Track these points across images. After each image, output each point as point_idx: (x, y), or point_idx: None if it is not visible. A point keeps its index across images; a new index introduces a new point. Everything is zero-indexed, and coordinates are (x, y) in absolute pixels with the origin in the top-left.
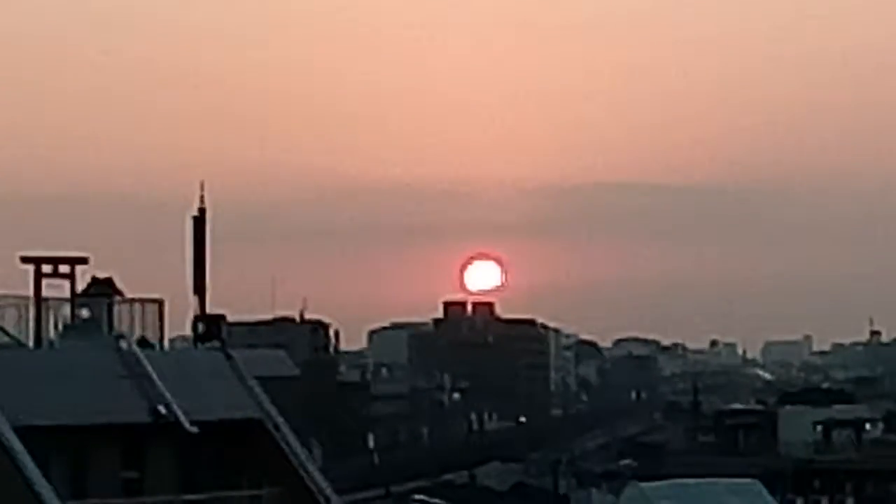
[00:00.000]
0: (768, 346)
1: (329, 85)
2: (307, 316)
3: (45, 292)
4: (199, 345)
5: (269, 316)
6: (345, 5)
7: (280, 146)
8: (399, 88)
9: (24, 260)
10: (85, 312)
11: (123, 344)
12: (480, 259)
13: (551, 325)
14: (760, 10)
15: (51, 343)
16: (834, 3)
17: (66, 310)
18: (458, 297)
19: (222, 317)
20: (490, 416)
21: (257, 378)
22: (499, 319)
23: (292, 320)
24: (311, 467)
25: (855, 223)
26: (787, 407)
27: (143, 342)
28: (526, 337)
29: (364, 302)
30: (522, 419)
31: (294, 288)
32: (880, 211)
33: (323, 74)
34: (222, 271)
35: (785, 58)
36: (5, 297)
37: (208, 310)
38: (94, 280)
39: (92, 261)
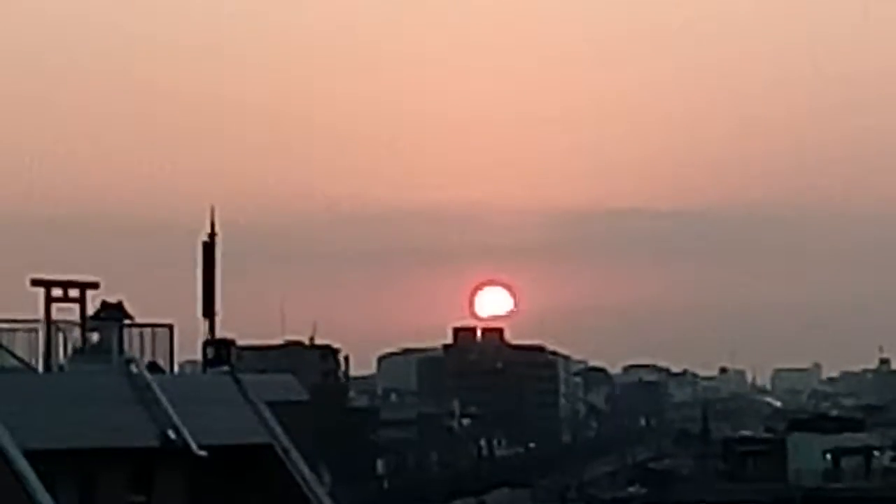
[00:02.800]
0: (778, 374)
1: (341, 109)
2: (317, 341)
3: (55, 316)
4: (208, 369)
5: (279, 340)
6: (359, 29)
7: (291, 170)
8: (410, 113)
9: (35, 283)
10: (95, 337)
11: (133, 368)
12: (490, 285)
13: (561, 351)
14: (767, 35)
15: (60, 367)
16: (842, 27)
17: (77, 334)
18: (468, 322)
19: (232, 341)
20: (499, 443)
21: (267, 403)
22: (508, 345)
23: (302, 345)
24: (320, 493)
25: (866, 250)
26: (797, 434)
27: (153, 366)
28: (535, 363)
29: (374, 327)
30: (532, 445)
31: (304, 313)
32: (891, 237)
33: (337, 98)
34: (233, 295)
35: (793, 82)
36: (15, 320)
37: (218, 334)
38: (105, 304)
39: (102, 284)
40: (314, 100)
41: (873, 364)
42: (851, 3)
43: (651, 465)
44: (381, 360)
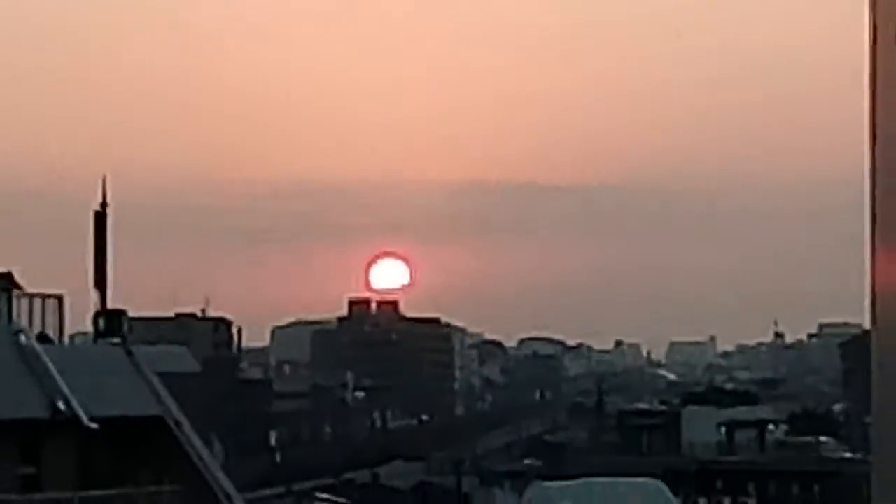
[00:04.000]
0: (673, 347)
1: (235, 84)
2: (210, 313)
3: None
4: (99, 340)
5: (171, 312)
6: (253, 5)
7: (185, 144)
8: (308, 88)
9: None
10: None
11: (22, 339)
12: (386, 258)
13: (456, 323)
14: (659, 11)
15: None
16: (713, 3)
17: None
18: (364, 295)
19: (123, 312)
20: (393, 415)
21: (159, 374)
22: (403, 318)
23: (195, 317)
24: (211, 464)
25: (762, 225)
26: (691, 407)
27: (43, 337)
28: (431, 336)
29: (268, 299)
30: (426, 418)
31: (197, 285)
32: (787, 213)
33: (230, 74)
34: (124, 267)
35: (687, 58)
36: None
37: (109, 305)
38: None
39: None
40: (210, 72)
41: (768, 338)
42: None
43: (546, 437)
44: (274, 332)
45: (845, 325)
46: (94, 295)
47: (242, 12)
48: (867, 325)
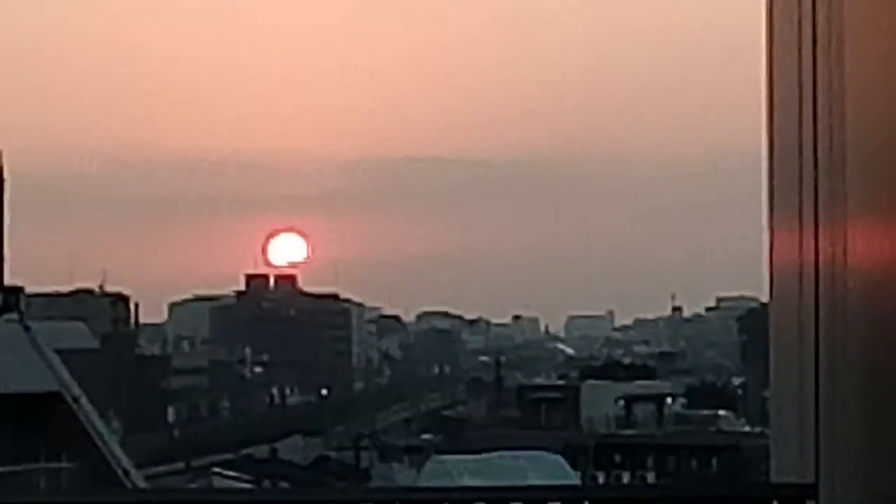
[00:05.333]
0: (571, 321)
1: (129, 56)
2: (107, 288)
3: None
4: None
5: (68, 288)
6: None
7: (80, 117)
8: (201, 59)
9: None
10: None
11: None
12: (284, 232)
13: (355, 299)
14: None
15: None
16: None
17: None
18: (261, 270)
19: (20, 288)
20: (292, 391)
21: (56, 350)
22: (302, 293)
23: (92, 292)
24: (110, 441)
25: (658, 198)
26: (589, 382)
27: None
28: (329, 311)
29: (166, 275)
30: (324, 393)
31: (94, 260)
32: (683, 186)
33: (123, 45)
34: (20, 242)
35: (585, 37)
36: None
37: (6, 282)
38: None
39: None
40: (107, 48)
41: (666, 312)
42: None
43: (444, 412)
44: (172, 307)
45: (743, 298)
46: None
47: None
48: (765, 298)
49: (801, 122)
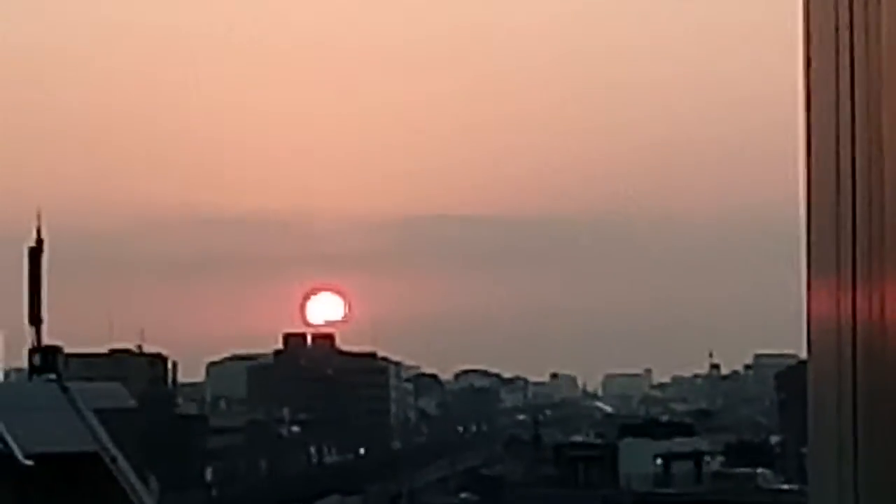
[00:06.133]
0: (609, 379)
1: (167, 113)
2: (145, 348)
3: None
4: (34, 376)
5: (106, 348)
6: (188, 30)
7: (119, 175)
8: (237, 119)
9: None
10: None
11: None
12: (322, 291)
13: (392, 357)
14: (577, 37)
15: None
16: (636, 37)
17: None
18: (299, 329)
19: (59, 348)
20: (329, 450)
21: (94, 410)
22: (339, 352)
23: (130, 352)
24: (148, 501)
25: (696, 256)
26: (628, 439)
27: None
28: (366, 370)
29: (203, 334)
30: (362, 451)
31: (132, 320)
32: (720, 244)
33: (162, 102)
34: (59, 302)
35: (601, 89)
36: None
37: (44, 341)
38: None
39: None
40: (145, 104)
41: (704, 369)
42: (645, 12)
43: (482, 471)
44: (210, 367)
45: (781, 355)
46: (29, 331)
47: (196, 39)
48: (803, 355)
49: (838, 178)
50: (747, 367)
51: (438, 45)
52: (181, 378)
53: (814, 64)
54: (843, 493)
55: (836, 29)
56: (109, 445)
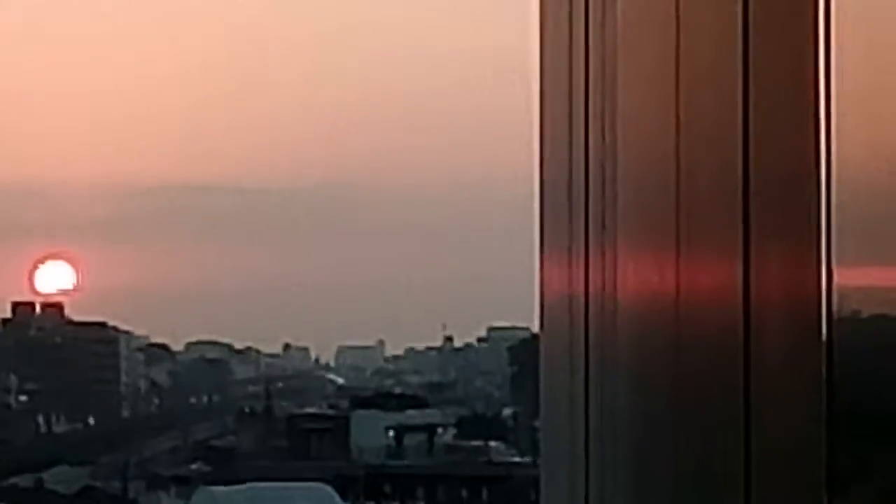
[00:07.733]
0: (342, 351)
1: None
2: None
3: None
4: None
5: None
6: None
7: None
8: None
9: None
10: None
11: None
12: (51, 260)
13: (123, 327)
14: (338, 11)
15: None
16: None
17: None
18: (28, 298)
19: None
20: (58, 419)
21: None
22: (69, 321)
23: None
24: None
25: (429, 229)
26: (360, 411)
27: None
28: (96, 339)
29: None
30: (91, 422)
31: None
32: (455, 217)
33: None
34: None
35: (369, 58)
36: None
37: None
38: None
39: None
40: None
41: (437, 342)
42: None
43: (213, 442)
44: None
45: (514, 328)
46: None
47: None
48: (536, 329)
49: (571, 152)
50: (480, 339)
51: (184, 15)
52: None
53: (547, 28)
54: (574, 466)
55: None
56: None
